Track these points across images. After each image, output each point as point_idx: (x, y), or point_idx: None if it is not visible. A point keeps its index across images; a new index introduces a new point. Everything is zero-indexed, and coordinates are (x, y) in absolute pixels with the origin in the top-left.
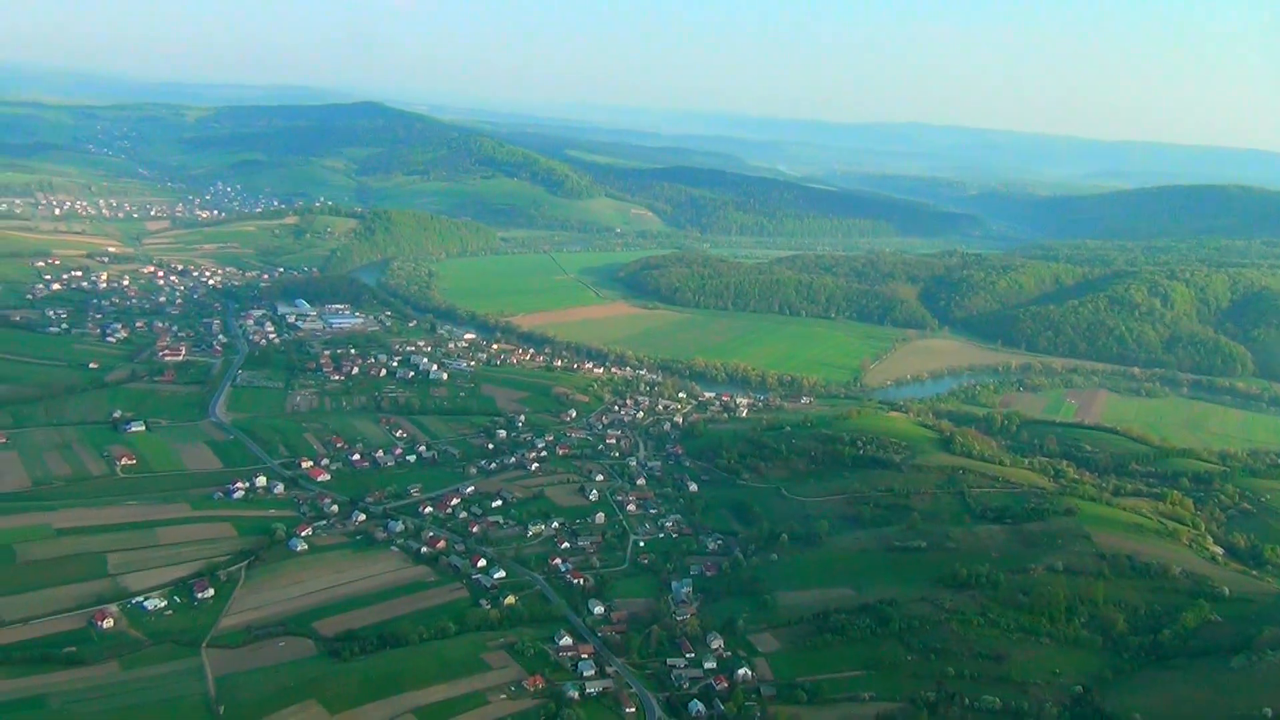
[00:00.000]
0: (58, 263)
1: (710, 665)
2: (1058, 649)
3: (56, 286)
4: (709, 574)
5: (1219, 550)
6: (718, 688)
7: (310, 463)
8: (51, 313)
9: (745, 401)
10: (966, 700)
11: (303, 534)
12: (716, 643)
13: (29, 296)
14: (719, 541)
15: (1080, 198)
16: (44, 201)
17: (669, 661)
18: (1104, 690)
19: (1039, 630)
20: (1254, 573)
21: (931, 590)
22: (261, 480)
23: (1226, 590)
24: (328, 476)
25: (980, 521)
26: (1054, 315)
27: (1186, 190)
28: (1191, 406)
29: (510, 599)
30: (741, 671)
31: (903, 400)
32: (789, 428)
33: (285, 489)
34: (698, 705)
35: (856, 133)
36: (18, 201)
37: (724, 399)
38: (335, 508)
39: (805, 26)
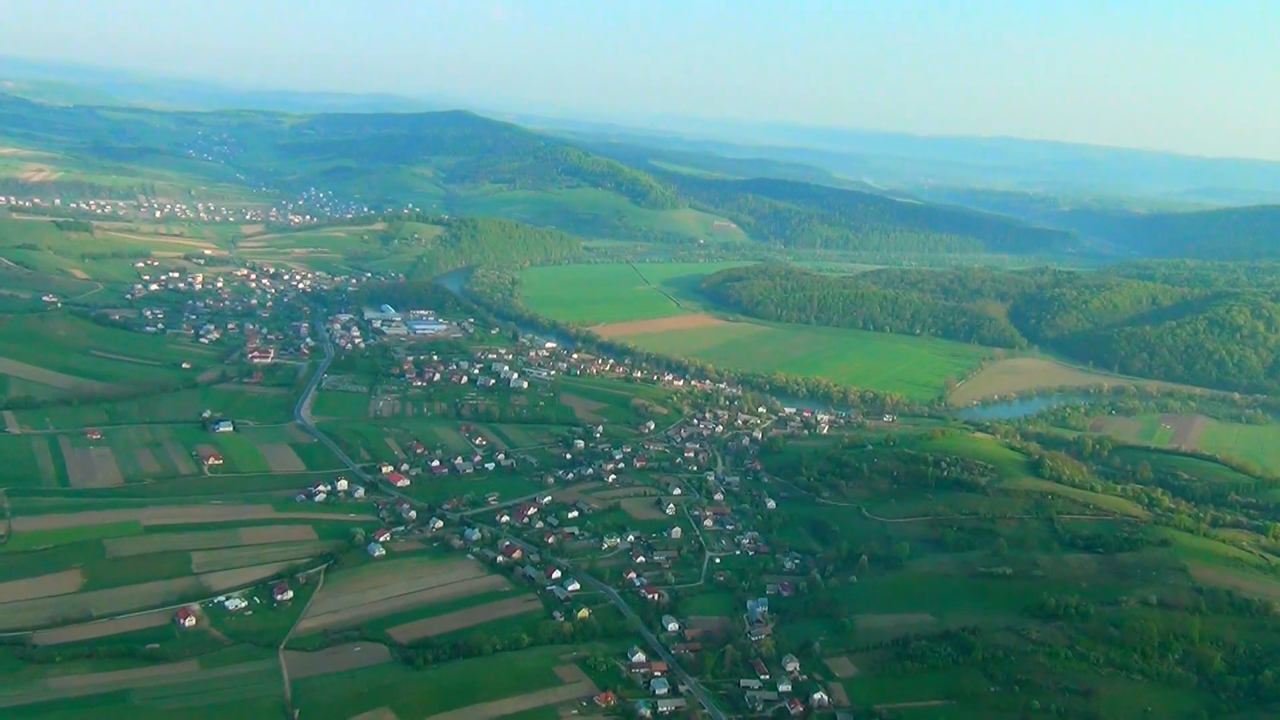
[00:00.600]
0: (156, 264)
1: (785, 688)
2: (1150, 686)
3: (154, 287)
4: (785, 594)
5: None
6: (792, 711)
7: (390, 468)
8: (149, 312)
9: (826, 418)
10: None
11: (381, 539)
12: (792, 665)
13: (128, 296)
14: (796, 561)
15: (1179, 215)
16: (145, 204)
17: (743, 682)
18: None
19: (1130, 666)
20: None
21: (1017, 619)
22: (343, 484)
23: None
24: (407, 482)
25: (1069, 549)
26: (1149, 336)
27: None
28: None
29: (584, 612)
30: (817, 696)
31: (989, 421)
32: (871, 446)
33: (365, 493)
34: None
35: (944, 146)
36: (121, 204)
37: (804, 415)
38: (413, 514)
39: (892, 39)
